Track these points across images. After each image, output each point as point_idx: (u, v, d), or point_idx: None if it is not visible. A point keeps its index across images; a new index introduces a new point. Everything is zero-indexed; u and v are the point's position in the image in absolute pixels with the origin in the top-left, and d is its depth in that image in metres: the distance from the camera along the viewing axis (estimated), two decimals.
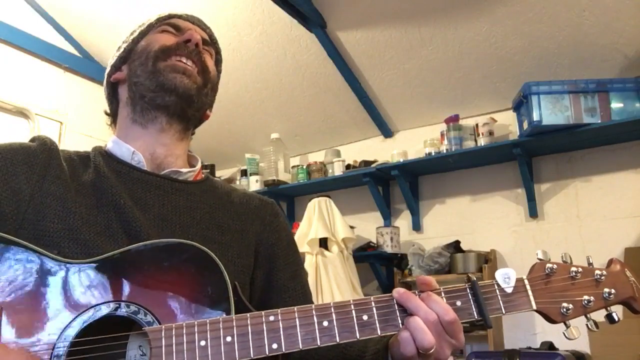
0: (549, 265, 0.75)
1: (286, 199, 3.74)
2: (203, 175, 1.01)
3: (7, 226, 0.77)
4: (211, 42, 1.04)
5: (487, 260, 2.89)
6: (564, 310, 0.73)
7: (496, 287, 0.73)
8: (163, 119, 0.93)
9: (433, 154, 3.08)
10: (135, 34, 1.00)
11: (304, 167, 3.52)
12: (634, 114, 2.55)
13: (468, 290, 0.73)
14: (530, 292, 0.73)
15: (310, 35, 2.99)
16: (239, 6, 2.96)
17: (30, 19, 3.36)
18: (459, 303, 0.72)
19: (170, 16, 1.01)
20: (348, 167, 3.38)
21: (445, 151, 3.04)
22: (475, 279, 0.73)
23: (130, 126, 0.95)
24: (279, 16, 2.91)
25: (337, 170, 3.37)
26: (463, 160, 3.07)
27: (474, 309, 0.72)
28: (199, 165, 1.00)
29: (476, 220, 3.12)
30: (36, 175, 0.83)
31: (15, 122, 3.21)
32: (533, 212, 2.93)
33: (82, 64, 3.58)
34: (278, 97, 3.44)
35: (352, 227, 3.16)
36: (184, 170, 0.95)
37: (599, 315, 0.76)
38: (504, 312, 0.72)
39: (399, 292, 0.72)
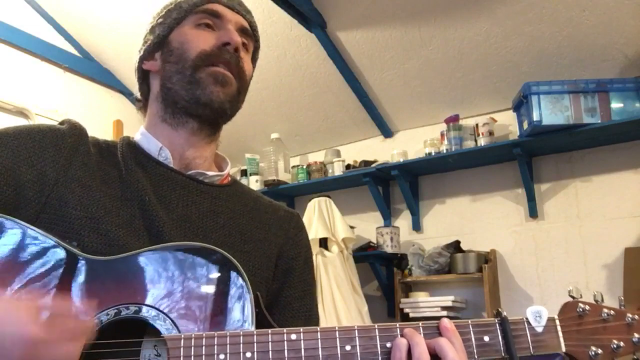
0: (581, 305, 0.74)
1: (286, 199, 3.74)
2: (230, 179, 0.98)
3: (28, 210, 0.75)
4: (251, 30, 0.96)
5: (487, 260, 2.88)
6: (593, 353, 0.72)
7: (526, 325, 0.72)
8: (195, 124, 0.91)
9: (433, 154, 3.07)
10: (171, 19, 0.92)
11: (304, 167, 3.52)
12: (634, 114, 2.55)
13: (497, 326, 0.71)
14: (560, 334, 0.72)
15: (310, 35, 2.99)
16: None
17: (30, 19, 3.35)
18: (486, 338, 0.70)
19: (210, 0, 0.92)
20: (348, 167, 3.38)
21: (445, 151, 3.04)
22: (505, 314, 0.72)
23: (159, 124, 0.92)
24: (279, 16, 2.90)
25: (337, 170, 3.37)
26: (463, 160, 3.06)
27: (501, 346, 0.69)
28: (227, 170, 0.98)
29: (476, 220, 3.12)
30: (63, 159, 0.81)
31: (15, 122, 3.20)
32: (533, 212, 2.92)
33: (82, 64, 3.58)
34: (278, 97, 3.44)
35: (352, 227, 3.16)
36: (210, 173, 0.92)
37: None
38: (532, 352, 0.70)
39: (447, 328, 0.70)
